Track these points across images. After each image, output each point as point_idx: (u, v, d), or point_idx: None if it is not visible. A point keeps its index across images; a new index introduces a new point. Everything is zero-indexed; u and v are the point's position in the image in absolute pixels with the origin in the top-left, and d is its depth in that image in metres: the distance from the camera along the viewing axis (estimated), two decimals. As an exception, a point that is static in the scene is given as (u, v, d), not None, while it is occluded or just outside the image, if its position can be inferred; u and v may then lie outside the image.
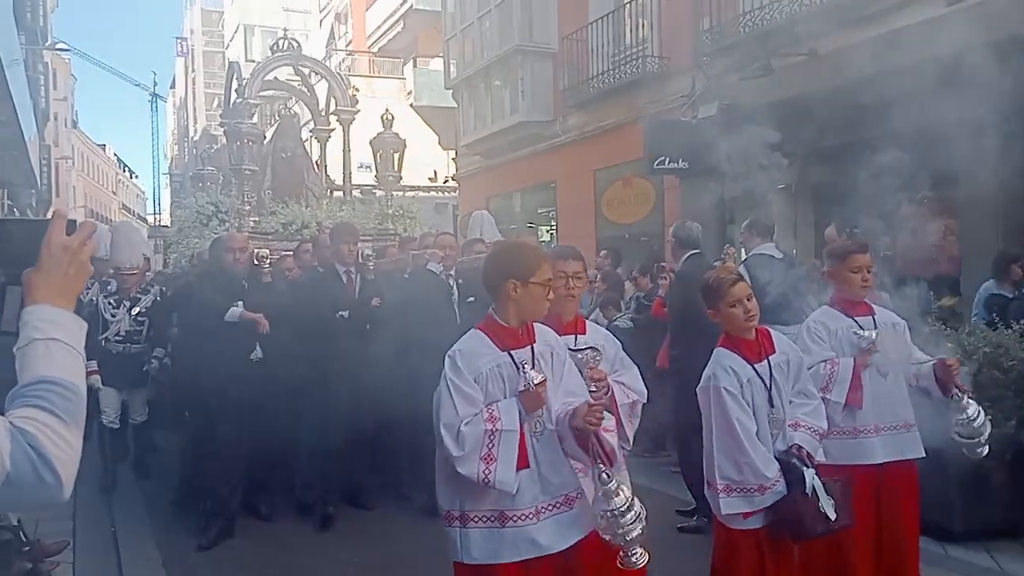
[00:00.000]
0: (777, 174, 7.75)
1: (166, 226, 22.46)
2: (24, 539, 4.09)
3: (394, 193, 7.60)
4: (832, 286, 3.29)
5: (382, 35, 22.36)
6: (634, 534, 2.17)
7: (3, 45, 11.88)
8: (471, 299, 5.17)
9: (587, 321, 2.88)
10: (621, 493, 2.19)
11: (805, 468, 2.60)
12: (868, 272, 3.14)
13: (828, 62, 8.16)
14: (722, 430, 2.63)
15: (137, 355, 5.99)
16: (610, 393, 2.58)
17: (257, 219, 6.72)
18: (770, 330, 2.86)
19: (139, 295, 6.03)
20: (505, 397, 2.31)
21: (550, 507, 2.31)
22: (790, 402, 2.75)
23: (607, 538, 2.21)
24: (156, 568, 4.40)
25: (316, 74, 8.11)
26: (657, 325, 6.03)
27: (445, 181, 19.82)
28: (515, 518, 2.27)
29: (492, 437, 2.23)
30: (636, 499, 2.22)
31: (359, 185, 8.90)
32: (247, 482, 4.92)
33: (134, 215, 56.68)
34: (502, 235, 7.30)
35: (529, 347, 2.37)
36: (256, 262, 4.93)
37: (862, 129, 7.27)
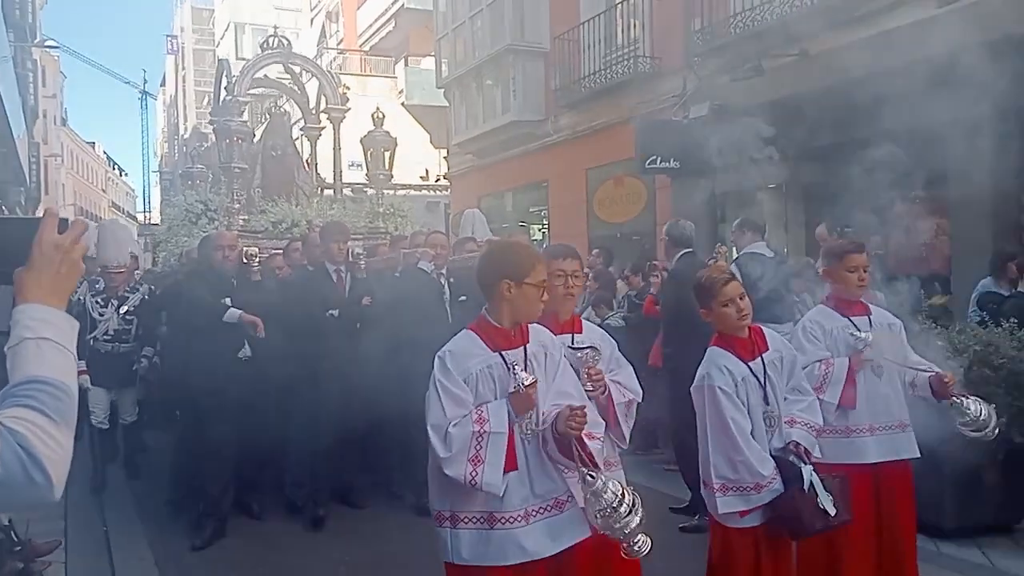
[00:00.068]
0: (768, 173, 7.79)
1: (156, 224, 22.35)
2: (15, 539, 4.09)
3: (385, 192, 7.58)
4: (828, 285, 3.29)
5: (373, 34, 22.30)
6: (633, 525, 2.15)
7: (-9, 42, 11.75)
8: (463, 298, 5.15)
9: (583, 320, 2.86)
10: (609, 490, 2.17)
11: (803, 464, 2.59)
12: (864, 272, 3.15)
13: (819, 63, 8.19)
14: (717, 429, 2.62)
15: (126, 354, 5.95)
16: (607, 392, 2.56)
17: (247, 217, 6.68)
18: (763, 328, 2.85)
19: (127, 294, 5.98)
20: (496, 398, 2.28)
21: (540, 510, 2.29)
22: (785, 399, 2.75)
23: (607, 534, 2.19)
24: (149, 567, 4.38)
25: (306, 72, 8.08)
26: (649, 323, 6.03)
27: (437, 180, 19.79)
28: (503, 520, 2.25)
29: (480, 439, 2.21)
30: (629, 490, 2.20)
31: (350, 183, 8.87)
32: (238, 481, 4.90)
33: (124, 213, 56.38)
34: (494, 234, 7.28)
35: (522, 348, 2.35)
36: (245, 260, 4.89)
37: (853, 129, 7.30)
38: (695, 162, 9.38)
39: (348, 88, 7.73)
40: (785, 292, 5.36)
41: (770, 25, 8.66)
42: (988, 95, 5.45)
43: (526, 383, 2.23)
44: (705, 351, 2.78)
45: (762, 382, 2.67)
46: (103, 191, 57.57)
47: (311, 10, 29.43)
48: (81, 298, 5.72)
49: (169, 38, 53.95)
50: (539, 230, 14.52)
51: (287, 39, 7.61)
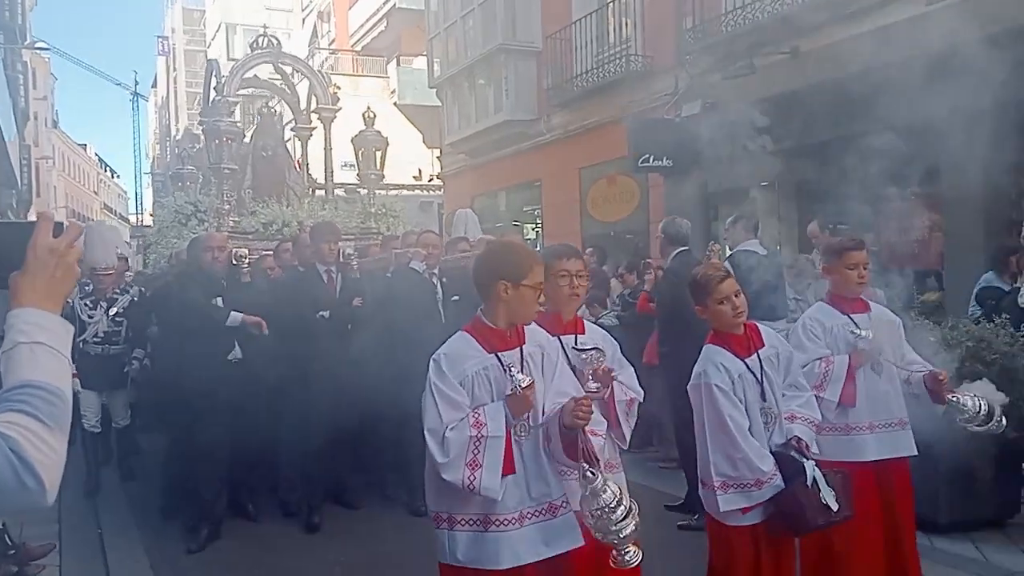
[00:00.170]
0: (760, 171, 7.80)
1: (148, 226, 22.23)
2: (9, 542, 4.10)
3: (378, 192, 7.54)
4: (828, 282, 3.28)
5: (365, 34, 22.25)
6: (626, 532, 2.12)
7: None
8: (455, 297, 5.13)
9: (585, 321, 2.84)
10: (608, 490, 2.14)
11: (805, 460, 2.58)
12: (864, 269, 3.14)
13: (810, 60, 8.20)
14: (715, 427, 2.60)
15: (117, 356, 5.92)
16: (609, 390, 2.54)
17: (237, 219, 6.64)
18: (758, 324, 2.84)
19: (116, 295, 5.95)
20: (492, 400, 2.26)
21: (533, 513, 2.27)
22: (783, 395, 2.74)
23: (599, 536, 2.16)
24: (144, 570, 4.37)
25: (297, 72, 8.03)
26: (643, 322, 6.02)
27: (430, 180, 19.76)
28: (498, 523, 2.23)
29: (478, 443, 2.18)
30: (627, 496, 2.18)
31: (343, 184, 8.83)
32: (232, 483, 4.88)
33: (116, 215, 56.15)
34: (487, 234, 7.26)
35: (518, 349, 2.33)
36: (235, 262, 4.85)
37: (845, 126, 7.30)
38: (688, 160, 9.40)
39: (339, 88, 7.69)
40: (778, 289, 5.36)
41: (761, 23, 8.66)
42: (980, 91, 5.45)
43: (523, 385, 2.21)
44: (701, 349, 2.77)
45: (759, 378, 2.66)
46: (95, 193, 57.30)
47: (302, 10, 29.34)
48: (69, 300, 5.68)
49: (160, 39, 53.78)
50: (532, 229, 14.51)
51: (276, 39, 7.56)
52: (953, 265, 7.26)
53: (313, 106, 7.72)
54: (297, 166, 7.97)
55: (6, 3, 20.87)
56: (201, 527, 4.61)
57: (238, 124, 7.77)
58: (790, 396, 2.76)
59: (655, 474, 5.78)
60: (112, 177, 65.23)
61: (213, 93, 6.79)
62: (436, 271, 5.20)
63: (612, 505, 2.12)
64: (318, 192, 7.95)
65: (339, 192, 8.32)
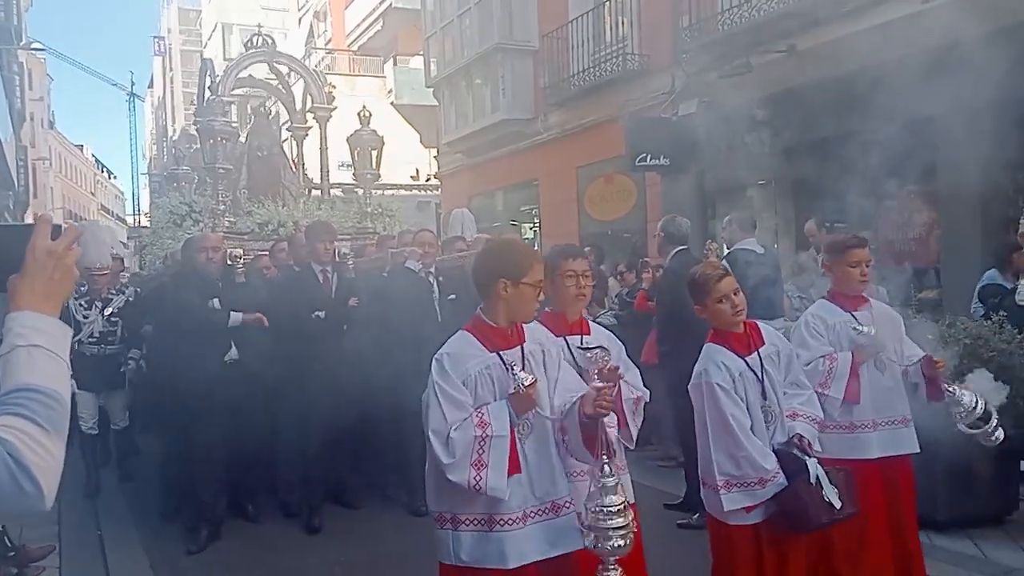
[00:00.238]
0: (757, 169, 7.79)
1: (146, 227, 22.19)
2: (9, 544, 4.12)
3: (375, 191, 7.52)
4: (830, 280, 3.27)
5: (362, 33, 22.22)
6: (615, 543, 2.08)
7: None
8: (452, 296, 5.12)
9: (590, 321, 2.82)
10: (619, 493, 2.13)
11: (807, 458, 2.57)
12: (867, 267, 3.13)
13: (807, 58, 8.19)
14: (717, 426, 2.59)
15: (113, 356, 5.90)
16: (617, 389, 2.52)
17: (233, 219, 6.61)
18: (758, 323, 2.83)
19: (111, 296, 5.93)
20: (495, 399, 2.25)
21: (537, 513, 2.26)
22: (784, 393, 2.72)
23: (588, 536, 2.13)
24: (144, 570, 4.37)
25: (293, 71, 8.00)
26: (641, 321, 6.01)
27: (427, 179, 19.74)
28: (502, 522, 2.22)
29: (482, 443, 2.17)
30: (630, 512, 2.15)
31: (340, 184, 8.79)
32: (232, 484, 4.87)
33: (113, 216, 56.07)
34: (484, 233, 7.24)
35: (518, 347, 2.32)
36: (230, 262, 4.82)
37: (841, 124, 7.30)
38: (685, 159, 9.40)
39: (334, 87, 7.66)
40: (776, 287, 5.35)
41: (757, 21, 8.65)
42: (976, 88, 5.45)
43: (526, 383, 2.20)
44: (701, 348, 2.75)
45: (760, 377, 2.65)
46: (92, 194, 57.17)
47: (299, 10, 29.30)
48: (64, 301, 5.64)
49: (156, 39, 53.63)
50: (530, 229, 14.49)
51: (271, 38, 7.54)
52: (950, 262, 7.26)
53: (308, 105, 7.69)
54: (293, 166, 7.95)
55: (1, 4, 20.81)
56: (201, 528, 4.60)
57: (233, 124, 7.73)
58: (791, 394, 2.75)
59: (654, 473, 5.77)
60: (109, 178, 65.13)
61: (208, 93, 6.76)
62: (432, 270, 5.18)
63: (614, 510, 2.10)
64: (314, 192, 7.93)
65: (336, 192, 8.29)
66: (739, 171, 7.75)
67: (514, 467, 2.21)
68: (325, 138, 7.54)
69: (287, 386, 4.85)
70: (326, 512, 4.94)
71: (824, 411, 2.91)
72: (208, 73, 6.89)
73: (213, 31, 38.01)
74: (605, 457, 2.16)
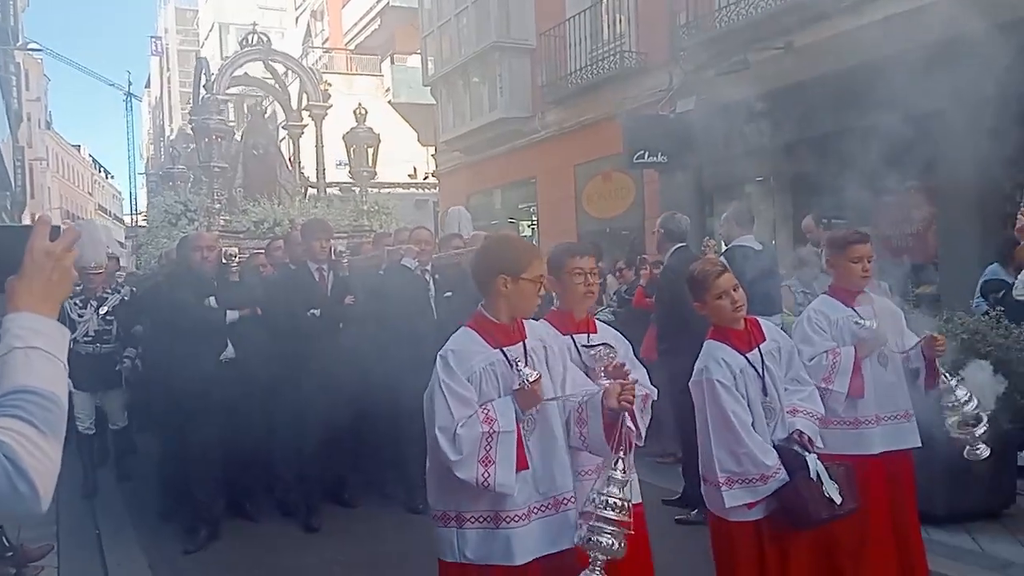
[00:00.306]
0: (755, 166, 7.78)
1: (143, 226, 22.15)
2: (7, 544, 4.12)
3: (373, 190, 7.51)
4: (832, 275, 3.26)
5: (359, 32, 22.19)
6: (605, 540, 2.05)
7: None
8: (448, 294, 5.10)
9: (597, 320, 2.80)
10: (627, 488, 2.10)
11: (807, 453, 2.56)
12: (868, 262, 3.13)
13: (804, 55, 8.18)
14: (718, 423, 2.58)
15: (108, 355, 5.89)
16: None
17: (228, 218, 6.59)
18: (758, 319, 2.82)
19: (106, 295, 5.91)
20: (499, 396, 2.23)
21: (539, 508, 2.25)
22: (785, 390, 2.71)
23: (581, 528, 2.10)
24: (142, 570, 4.36)
25: (288, 69, 7.98)
26: (639, 318, 6.00)
27: (425, 178, 19.72)
28: (508, 519, 2.20)
29: (490, 439, 2.15)
30: (629, 513, 2.10)
31: (337, 183, 8.78)
32: (230, 484, 4.86)
33: (111, 216, 55.96)
34: (483, 231, 7.23)
35: (521, 343, 2.30)
36: (224, 261, 4.80)
37: (839, 120, 7.29)
38: (683, 156, 9.39)
39: (330, 85, 7.64)
40: (773, 284, 5.34)
41: (755, 18, 8.64)
42: (975, 84, 5.45)
43: (531, 379, 2.19)
44: (702, 345, 2.74)
45: (760, 373, 2.63)
46: (89, 194, 57.08)
47: (296, 9, 29.26)
48: (62, 302, 5.62)
49: (153, 39, 53.64)
50: (528, 227, 14.48)
51: (267, 36, 7.51)
52: (948, 258, 7.25)
53: (304, 103, 7.67)
54: (289, 164, 7.92)
55: (-3, 4, 20.78)
56: (199, 528, 4.59)
57: (230, 122, 7.72)
58: (792, 390, 2.74)
59: (651, 469, 5.76)
60: (106, 178, 65.01)
61: (203, 91, 6.74)
62: (429, 268, 5.17)
63: (616, 503, 2.07)
64: (311, 191, 7.91)
65: (334, 191, 8.28)
66: (737, 168, 7.75)
67: (522, 463, 2.20)
68: (321, 136, 7.52)
69: (283, 385, 4.83)
70: (324, 511, 4.93)
71: (828, 407, 2.91)
72: (203, 71, 6.86)
73: (210, 31, 37.98)
74: (621, 453, 2.15)
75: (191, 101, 8.73)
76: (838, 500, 2.51)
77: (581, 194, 12.56)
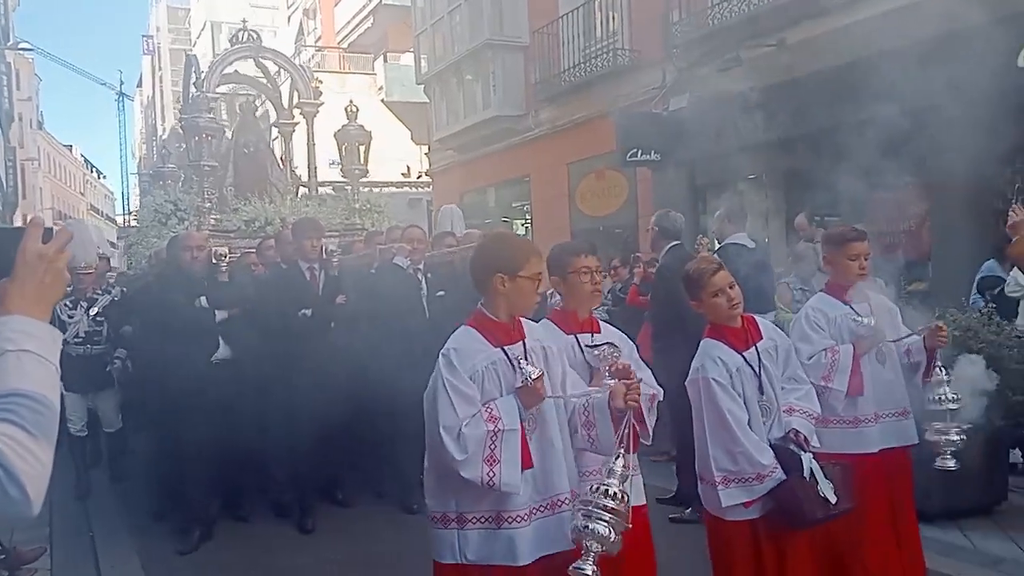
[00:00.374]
0: (747, 163, 7.78)
1: (135, 226, 22.06)
2: (0, 546, 4.00)
3: (365, 188, 7.47)
4: (829, 272, 3.26)
5: (352, 30, 22.12)
6: (601, 528, 2.01)
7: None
8: (440, 293, 5.08)
9: (599, 320, 2.78)
10: (628, 483, 2.08)
11: (803, 453, 2.55)
12: (865, 260, 3.12)
13: (797, 52, 8.18)
14: (714, 421, 2.57)
15: (99, 356, 5.85)
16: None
17: (219, 217, 6.54)
18: (756, 317, 2.81)
19: (97, 295, 5.87)
20: (501, 395, 2.22)
21: (539, 509, 2.23)
22: (782, 388, 2.70)
23: (573, 526, 2.06)
24: (136, 571, 4.34)
25: (278, 67, 7.93)
26: (633, 316, 5.99)
27: (419, 177, 19.67)
28: (509, 519, 2.19)
29: (494, 438, 2.13)
30: (628, 506, 2.08)
31: (331, 182, 8.74)
32: (224, 484, 4.84)
33: (103, 216, 55.72)
34: (477, 229, 7.20)
35: (521, 342, 2.29)
36: (214, 260, 4.76)
37: (832, 117, 7.29)
38: (676, 154, 9.39)
39: (320, 82, 7.60)
40: (766, 281, 5.33)
41: (748, 16, 8.64)
42: (968, 82, 5.45)
43: (533, 377, 2.17)
44: (697, 344, 2.73)
45: (757, 371, 2.63)
46: (81, 194, 56.80)
47: (288, 7, 29.16)
48: (54, 305, 5.58)
49: (145, 38, 53.39)
50: (522, 225, 14.47)
51: (257, 33, 7.46)
52: (940, 254, 7.26)
53: (295, 101, 7.63)
54: (280, 163, 7.88)
55: (-13, 3, 20.64)
56: (192, 529, 4.57)
57: (223, 121, 7.67)
58: (789, 389, 2.73)
59: (646, 467, 5.69)
60: (99, 178, 64.72)
61: (193, 89, 6.69)
62: (421, 267, 5.14)
63: (614, 494, 2.04)
64: (303, 189, 7.86)
65: (328, 190, 8.24)
66: (730, 165, 7.74)
67: (527, 461, 2.18)
68: (312, 134, 7.48)
69: (275, 385, 4.80)
70: (319, 511, 4.91)
71: (828, 405, 2.91)
72: (193, 69, 6.82)
73: (202, 30, 37.83)
74: (622, 449, 2.14)
75: (180, 99, 8.67)
76: (833, 500, 2.51)
77: (574, 192, 12.55)
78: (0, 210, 25.17)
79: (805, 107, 7.72)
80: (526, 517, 2.20)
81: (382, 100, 18.70)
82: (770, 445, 2.59)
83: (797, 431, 2.61)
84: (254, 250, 5.96)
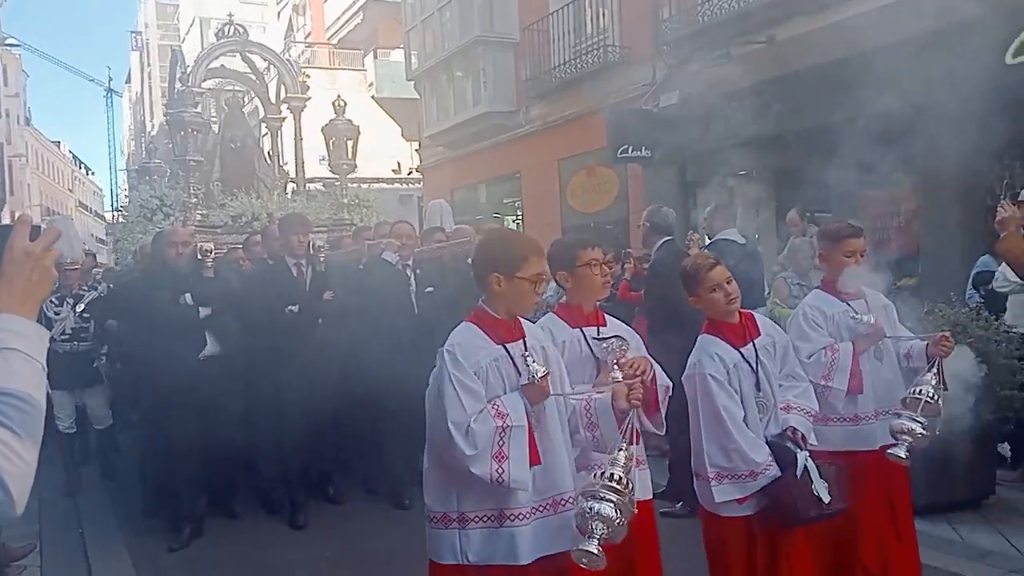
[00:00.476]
0: (738, 159, 7.78)
1: (122, 222, 21.87)
2: None
3: (355, 184, 7.42)
4: (824, 269, 3.23)
5: (341, 27, 22.01)
6: (606, 510, 1.97)
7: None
8: (429, 289, 5.05)
9: (606, 314, 2.76)
10: (629, 473, 2.05)
11: (798, 450, 2.53)
12: (861, 256, 3.10)
13: (787, 49, 8.19)
14: (709, 418, 2.56)
15: (86, 352, 5.81)
16: (652, 374, 2.47)
17: (205, 212, 6.48)
18: (754, 313, 2.80)
19: (83, 291, 5.81)
20: (504, 392, 2.18)
21: (540, 508, 2.21)
22: (780, 386, 2.69)
23: (583, 501, 2.02)
24: (126, 568, 4.30)
25: (265, 61, 7.86)
26: (624, 311, 5.97)
27: (409, 173, 19.60)
28: (512, 517, 2.16)
29: (503, 434, 2.10)
30: (632, 495, 2.04)
31: (320, 178, 8.69)
32: (214, 481, 4.81)
33: (91, 212, 55.35)
34: (468, 226, 7.16)
35: (522, 340, 2.26)
36: (200, 256, 4.71)
37: (822, 114, 7.29)
38: (666, 150, 9.38)
39: (308, 76, 7.54)
40: (757, 277, 5.33)
41: (738, 12, 8.63)
42: (956, 79, 5.46)
43: (540, 374, 2.15)
44: (691, 340, 2.72)
45: (754, 368, 2.61)
46: (70, 191, 56.35)
47: (277, 3, 28.98)
48: (42, 303, 5.51)
49: (133, 34, 53.00)
50: (513, 221, 14.44)
51: (243, 27, 7.39)
52: (929, 250, 7.28)
53: (282, 96, 7.56)
54: (267, 158, 7.82)
55: (-28, -2, 20.41)
56: (183, 525, 4.54)
57: (210, 115, 7.59)
58: (787, 386, 2.72)
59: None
60: (87, 174, 64.23)
61: (179, 84, 6.61)
62: (410, 263, 5.11)
63: (619, 478, 2.01)
64: (291, 185, 7.80)
65: (318, 186, 8.18)
66: (720, 161, 7.74)
67: (535, 458, 2.15)
68: (299, 128, 7.42)
69: (263, 381, 4.76)
70: (310, 507, 4.88)
71: (828, 404, 2.89)
72: (179, 64, 6.74)
73: (191, 25, 37.56)
74: (624, 444, 2.12)
75: (166, 94, 8.59)
76: (827, 499, 2.49)
77: (565, 189, 12.54)
78: (-13, 207, 24.93)
79: (795, 103, 7.72)
80: (527, 515, 2.17)
81: (372, 96, 18.64)
82: (766, 442, 2.58)
83: (795, 429, 2.60)
84: (241, 246, 5.90)
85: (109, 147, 45.94)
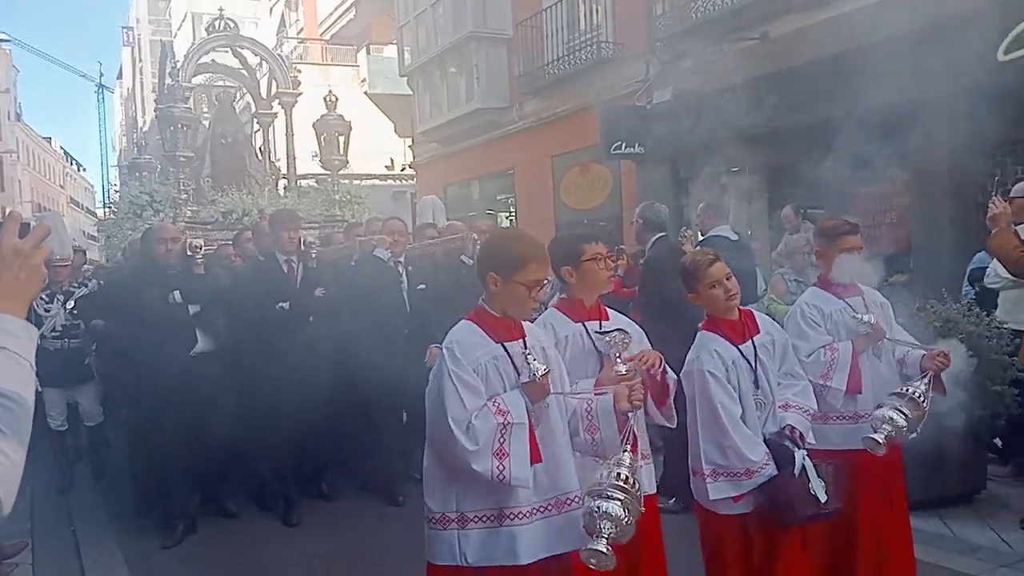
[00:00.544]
0: (732, 156, 7.77)
1: (112, 218, 21.75)
2: None
3: (347, 180, 7.39)
4: (821, 266, 3.21)
5: (334, 22, 21.90)
6: (615, 509, 1.97)
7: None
8: (421, 286, 5.02)
9: (608, 309, 2.74)
10: (635, 473, 2.05)
11: (796, 449, 2.53)
12: (859, 253, 3.08)
13: (780, 45, 8.19)
14: (706, 414, 2.55)
15: (77, 350, 5.75)
16: (662, 367, 2.45)
17: (195, 208, 6.42)
18: (753, 310, 2.79)
19: (73, 288, 5.76)
20: (504, 390, 2.17)
21: (543, 508, 2.19)
22: (779, 384, 2.68)
23: (590, 500, 2.02)
24: (119, 566, 4.29)
25: (256, 56, 7.80)
26: (617, 307, 5.95)
27: (402, 169, 19.55)
28: (511, 516, 2.14)
29: (504, 431, 2.09)
30: (639, 501, 2.04)
31: (313, 175, 8.64)
32: (207, 479, 4.79)
33: (83, 209, 55.04)
34: (461, 223, 7.13)
35: (521, 340, 2.25)
36: (190, 253, 4.67)
37: (816, 110, 7.30)
38: (660, 147, 9.37)
39: (299, 71, 7.49)
40: (750, 273, 5.33)
41: (731, 9, 8.62)
42: (949, 75, 5.47)
43: (540, 373, 2.14)
44: (686, 335, 2.70)
45: (753, 365, 2.60)
46: (61, 187, 56.02)
47: (270, -1, 28.82)
48: (31, 301, 5.46)
49: (125, 29, 52.65)
50: (506, 218, 14.41)
51: (234, 22, 7.33)
52: (920, 247, 7.30)
53: (274, 91, 7.51)
54: (259, 154, 7.76)
55: (-39, -8, 20.24)
56: (176, 523, 4.53)
57: (201, 111, 7.53)
58: (785, 384, 2.71)
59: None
60: (78, 170, 63.84)
61: (169, 79, 6.56)
62: (402, 259, 5.08)
63: (626, 477, 2.01)
64: (283, 181, 7.76)
65: (310, 182, 8.14)
66: (713, 157, 7.74)
67: (536, 456, 2.14)
68: (291, 124, 7.37)
69: (255, 378, 4.73)
70: (303, 505, 4.87)
71: (828, 403, 2.89)
72: (169, 59, 6.68)
73: (183, 21, 37.33)
74: (628, 446, 2.13)
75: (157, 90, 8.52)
76: (823, 499, 2.49)
77: (559, 185, 12.52)
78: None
79: (789, 100, 7.72)
80: (529, 514, 2.15)
81: (365, 92, 18.57)
82: (764, 440, 2.57)
83: (793, 427, 2.59)
84: (231, 242, 5.86)
85: (100, 143, 45.72)
